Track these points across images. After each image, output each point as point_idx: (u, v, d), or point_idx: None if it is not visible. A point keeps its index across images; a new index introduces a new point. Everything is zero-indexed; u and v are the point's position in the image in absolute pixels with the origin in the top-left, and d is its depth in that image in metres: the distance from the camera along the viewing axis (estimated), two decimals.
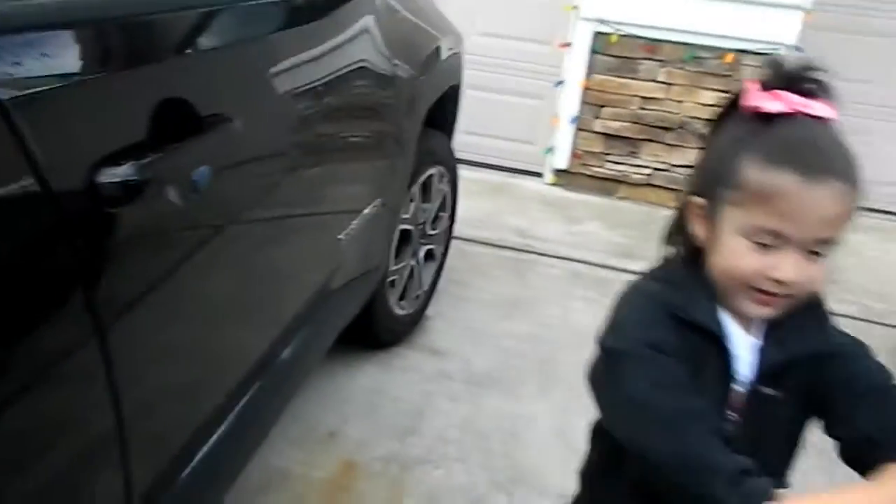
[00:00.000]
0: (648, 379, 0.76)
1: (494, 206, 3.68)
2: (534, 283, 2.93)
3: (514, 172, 4.13)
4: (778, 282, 0.75)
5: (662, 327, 0.78)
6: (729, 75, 3.54)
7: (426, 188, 2.27)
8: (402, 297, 2.29)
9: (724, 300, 0.80)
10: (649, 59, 3.63)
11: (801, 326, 0.81)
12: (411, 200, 2.14)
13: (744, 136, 0.77)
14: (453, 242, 2.82)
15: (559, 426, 2.05)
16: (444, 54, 2.19)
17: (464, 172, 2.80)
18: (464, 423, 2.05)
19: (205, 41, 0.94)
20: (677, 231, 0.86)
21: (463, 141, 3.77)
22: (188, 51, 0.92)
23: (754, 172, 0.74)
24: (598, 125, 3.82)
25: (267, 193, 1.09)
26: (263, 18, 1.10)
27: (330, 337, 1.66)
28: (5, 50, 0.64)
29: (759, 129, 0.76)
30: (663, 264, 0.88)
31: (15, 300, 0.65)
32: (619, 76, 3.68)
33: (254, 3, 1.07)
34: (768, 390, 0.80)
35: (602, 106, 3.77)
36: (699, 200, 0.81)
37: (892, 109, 4.19)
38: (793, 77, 0.76)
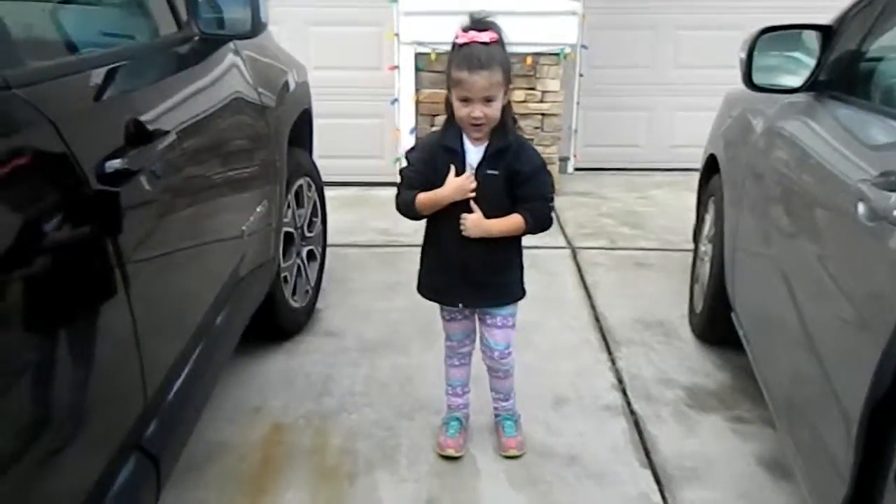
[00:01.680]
0: (407, 181, 1.82)
1: (358, 216, 4.14)
2: (405, 269, 3.39)
3: (370, 185, 4.61)
4: (475, 118, 1.67)
5: (429, 151, 1.80)
6: (531, 74, 4.25)
7: (298, 197, 2.69)
8: (294, 293, 2.68)
9: (465, 132, 1.74)
10: (446, 78, 4.26)
11: (498, 137, 1.74)
12: (288, 207, 2.55)
13: (453, 57, 1.68)
14: (329, 249, 3.23)
15: (444, 366, 2.52)
16: (294, 84, 2.63)
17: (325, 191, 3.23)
18: (366, 380, 2.47)
19: (140, 80, 1.33)
20: (446, 108, 1.78)
21: (319, 164, 4.20)
22: (135, 87, 1.31)
23: (453, 72, 1.66)
24: None
25: (196, 185, 1.49)
26: (171, 62, 1.51)
27: (246, 314, 2.03)
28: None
29: (457, 51, 1.66)
30: (443, 124, 1.82)
31: (66, 236, 1.03)
32: (443, 88, 4.26)
33: (169, 53, 1.48)
34: (491, 171, 1.74)
35: (435, 115, 4.35)
36: (447, 86, 1.72)
37: (668, 86, 5.08)
38: (476, 23, 1.66)
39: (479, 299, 1.93)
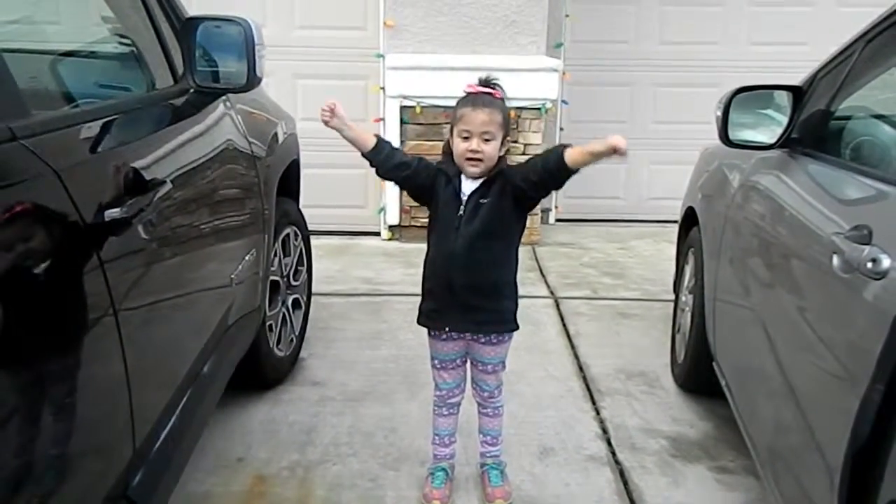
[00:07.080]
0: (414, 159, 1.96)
1: (342, 265, 4.16)
2: (388, 318, 3.42)
3: (354, 235, 4.64)
4: (473, 151, 1.79)
5: (434, 172, 1.91)
6: (514, 128, 4.35)
7: (285, 245, 2.71)
8: (278, 341, 2.67)
9: (461, 168, 1.84)
10: (449, 123, 4.35)
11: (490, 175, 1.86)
12: (275, 255, 2.57)
13: (459, 101, 1.85)
14: (313, 298, 3.23)
15: (428, 416, 2.49)
16: (284, 135, 2.68)
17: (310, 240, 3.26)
18: (350, 430, 2.45)
19: (138, 132, 1.36)
20: (444, 154, 1.93)
21: (304, 213, 4.23)
22: (133, 138, 1.34)
23: (458, 110, 1.82)
24: None
25: (190, 234, 1.50)
26: (167, 114, 1.55)
27: (232, 363, 2.03)
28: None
29: (464, 97, 1.85)
30: (443, 156, 1.94)
31: (65, 284, 1.04)
32: (427, 140, 4.36)
33: (165, 105, 1.51)
34: (483, 200, 1.84)
35: None
36: (449, 129, 1.88)
37: (646, 141, 5.21)
38: (484, 82, 1.86)
39: (468, 324, 1.94)
